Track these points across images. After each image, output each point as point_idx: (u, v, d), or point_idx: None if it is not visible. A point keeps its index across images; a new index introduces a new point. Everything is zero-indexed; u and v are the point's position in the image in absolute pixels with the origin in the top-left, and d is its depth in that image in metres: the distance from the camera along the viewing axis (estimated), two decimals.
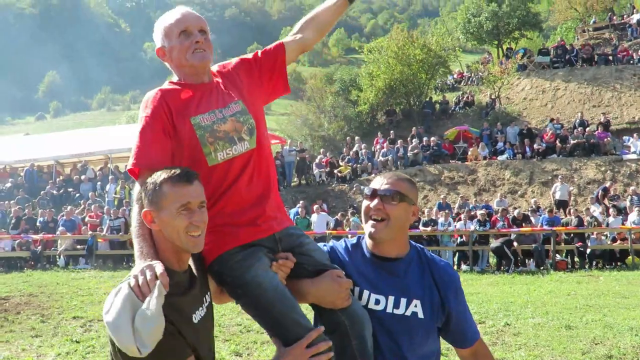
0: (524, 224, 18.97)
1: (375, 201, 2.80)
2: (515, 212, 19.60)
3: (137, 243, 2.48)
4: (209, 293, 2.68)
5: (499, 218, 19.26)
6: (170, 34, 2.83)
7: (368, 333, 2.72)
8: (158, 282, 2.22)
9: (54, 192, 25.94)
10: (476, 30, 42.96)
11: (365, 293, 2.81)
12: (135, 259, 2.44)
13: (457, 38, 45.07)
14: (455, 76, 41.16)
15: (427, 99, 34.72)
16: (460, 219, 19.81)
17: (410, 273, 2.84)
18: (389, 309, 2.80)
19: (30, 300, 13.53)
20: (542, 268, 17.75)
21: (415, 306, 2.79)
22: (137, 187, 2.63)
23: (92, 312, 11.43)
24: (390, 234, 2.79)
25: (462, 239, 19.35)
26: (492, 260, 18.98)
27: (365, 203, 2.86)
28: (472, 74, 40.09)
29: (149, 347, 2.20)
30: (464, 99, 34.69)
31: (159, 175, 2.45)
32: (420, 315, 2.80)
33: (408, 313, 2.80)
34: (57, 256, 20.89)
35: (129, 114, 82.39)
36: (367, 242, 2.92)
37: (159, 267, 2.27)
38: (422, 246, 3.02)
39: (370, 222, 2.81)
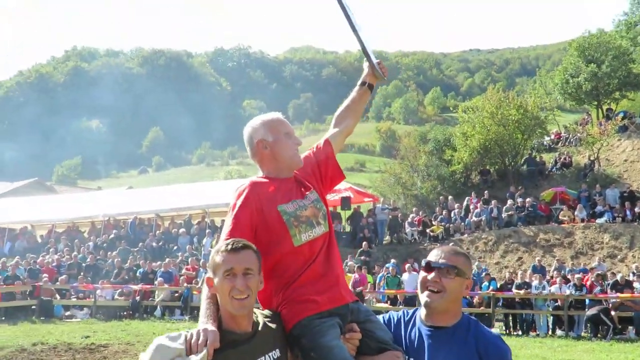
0: (624, 290, 18.24)
1: (433, 274, 2.96)
2: (618, 277, 18.90)
3: (204, 304, 2.85)
4: (279, 350, 2.91)
5: (594, 282, 18.68)
6: (276, 132, 3.30)
7: None
8: (205, 350, 2.51)
9: (154, 244, 26.84)
10: (574, 91, 42.07)
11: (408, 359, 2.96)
12: (200, 318, 2.78)
13: (555, 99, 44.41)
14: (552, 137, 40.38)
15: (528, 157, 34.20)
16: (555, 283, 19.32)
17: (455, 341, 2.96)
18: None
19: (127, 348, 14.03)
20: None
21: None
22: None
23: None
24: (444, 305, 2.95)
25: (557, 304, 18.83)
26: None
27: (422, 274, 3.02)
28: (570, 135, 39.29)
29: None
30: (562, 160, 33.99)
31: (216, 247, 2.83)
32: None
33: None
34: (155, 306, 21.50)
35: (227, 169, 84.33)
36: (421, 312, 3.08)
37: (212, 335, 2.58)
38: (475, 319, 3.13)
39: (427, 292, 2.97)
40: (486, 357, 2.91)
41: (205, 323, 2.70)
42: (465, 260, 3.05)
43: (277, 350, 2.89)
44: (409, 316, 3.15)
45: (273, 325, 2.96)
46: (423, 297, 3.00)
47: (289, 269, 3.10)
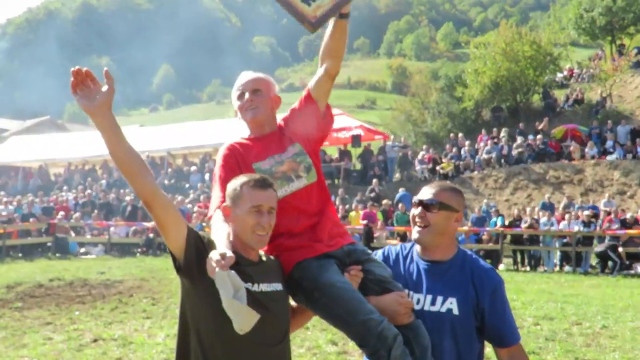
0: (633, 227, 18.32)
1: (419, 209, 3.06)
2: (628, 215, 18.99)
3: (219, 231, 2.89)
4: (281, 284, 3.00)
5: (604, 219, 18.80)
6: (234, 97, 3.37)
7: (429, 343, 2.92)
8: (220, 271, 2.56)
9: (166, 182, 27.03)
10: (588, 26, 41.45)
11: (408, 293, 3.07)
12: (217, 244, 2.80)
13: (568, 34, 43.74)
14: (565, 73, 39.88)
15: (542, 93, 33.94)
16: (564, 220, 19.42)
17: (451, 274, 3.05)
18: (426, 307, 3.03)
19: (142, 284, 14.31)
20: None
21: (451, 303, 2.99)
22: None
23: None
24: (432, 239, 3.05)
25: (565, 240, 18.98)
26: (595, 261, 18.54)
27: (412, 211, 3.13)
28: (583, 71, 38.81)
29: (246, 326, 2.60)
30: (574, 96, 33.67)
31: (240, 179, 2.87)
32: (455, 312, 2.98)
33: (443, 309, 2.99)
34: None
35: None
36: (417, 247, 3.18)
37: (229, 252, 2.61)
38: (471, 252, 3.22)
39: (415, 227, 3.09)
40: (481, 288, 3.00)
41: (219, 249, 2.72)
42: (452, 194, 3.11)
43: (280, 284, 2.98)
44: (406, 250, 3.24)
45: (276, 262, 3.07)
46: (413, 233, 3.12)
47: (276, 224, 3.05)
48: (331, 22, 3.19)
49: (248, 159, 3.22)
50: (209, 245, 2.78)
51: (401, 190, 24.09)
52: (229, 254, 2.57)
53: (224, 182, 3.09)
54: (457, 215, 3.12)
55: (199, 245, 2.78)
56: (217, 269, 2.52)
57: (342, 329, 3.03)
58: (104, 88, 2.62)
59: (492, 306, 3.01)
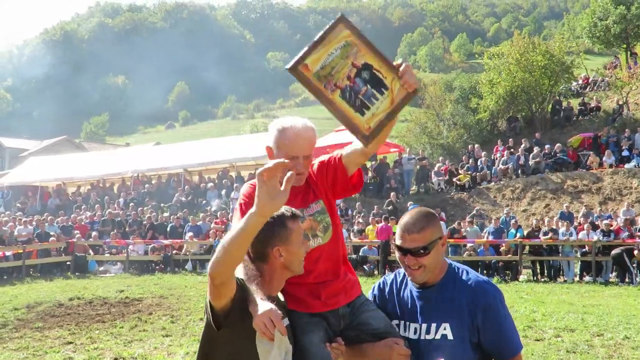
0: None
1: (408, 258, 3.01)
2: None
3: (253, 286, 2.84)
4: (287, 319, 3.04)
5: (622, 228, 18.65)
6: (280, 148, 3.22)
7: None
8: (276, 330, 2.58)
9: (182, 199, 27.14)
10: (603, 34, 41.29)
11: (404, 324, 3.09)
12: (254, 300, 2.75)
13: (582, 42, 43.60)
14: (580, 82, 39.72)
15: (555, 103, 33.79)
16: (583, 229, 19.29)
17: (442, 296, 3.03)
18: (422, 336, 3.02)
19: (161, 301, 14.36)
20: None
21: (445, 329, 2.97)
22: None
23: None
24: (428, 275, 3.03)
25: (585, 249, 18.85)
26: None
27: (398, 254, 3.08)
28: (599, 79, 38.63)
29: None
30: (590, 105, 33.52)
31: (282, 215, 2.87)
32: (450, 337, 2.96)
33: (438, 337, 2.98)
34: (186, 260, 21.87)
35: (253, 122, 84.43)
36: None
37: (274, 314, 2.61)
38: (461, 266, 3.18)
39: (408, 270, 3.06)
40: (473, 306, 2.98)
41: (263, 301, 2.71)
42: (432, 227, 3.05)
43: (287, 319, 3.01)
44: (400, 277, 3.23)
45: (282, 299, 3.12)
46: (408, 274, 3.10)
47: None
48: None
49: None
50: (245, 288, 2.80)
51: (410, 204, 24.08)
52: (277, 312, 2.61)
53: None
54: (442, 240, 3.08)
55: (240, 295, 2.77)
56: (276, 332, 2.56)
57: None
58: (282, 188, 2.53)
59: (485, 322, 2.98)
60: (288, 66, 2.79)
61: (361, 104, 2.81)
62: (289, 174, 2.48)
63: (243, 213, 3.07)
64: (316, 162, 3.38)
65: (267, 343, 2.65)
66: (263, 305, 2.64)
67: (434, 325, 3.01)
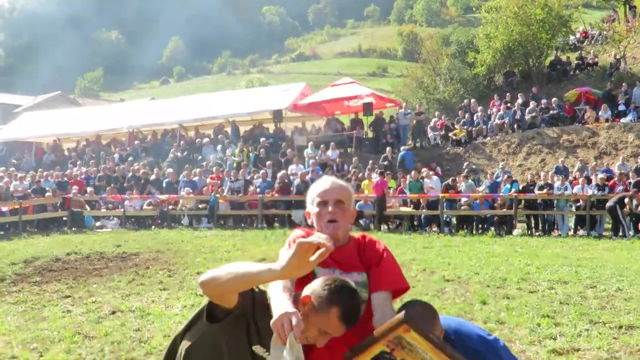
0: None
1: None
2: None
3: (278, 294, 2.76)
4: None
5: (617, 182, 18.72)
6: (312, 197, 3.20)
7: None
8: (291, 333, 2.55)
9: (178, 154, 27.11)
10: None
11: None
12: (275, 307, 2.70)
13: None
14: (578, 35, 39.38)
15: (552, 59, 33.58)
16: (578, 183, 19.36)
17: None
18: None
19: (158, 256, 14.46)
20: None
21: None
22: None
23: (214, 268, 12.10)
24: None
25: (579, 204, 18.95)
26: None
27: None
28: (596, 33, 38.32)
29: None
30: (587, 59, 33.32)
31: (331, 298, 2.68)
32: None
33: None
34: (182, 215, 21.95)
35: (248, 78, 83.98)
36: None
37: (295, 318, 2.55)
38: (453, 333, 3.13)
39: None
40: None
41: (286, 309, 2.64)
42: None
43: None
44: None
45: None
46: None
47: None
48: None
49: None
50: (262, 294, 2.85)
51: (403, 149, 24.29)
52: (299, 318, 2.57)
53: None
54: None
55: (246, 305, 2.82)
56: (291, 334, 2.53)
57: None
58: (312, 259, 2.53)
59: None
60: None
61: None
62: (322, 249, 2.49)
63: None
64: (373, 237, 3.26)
65: (280, 348, 2.62)
66: (286, 308, 2.62)
67: None
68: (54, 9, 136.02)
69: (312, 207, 3.19)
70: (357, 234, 3.26)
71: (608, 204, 17.58)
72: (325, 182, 3.20)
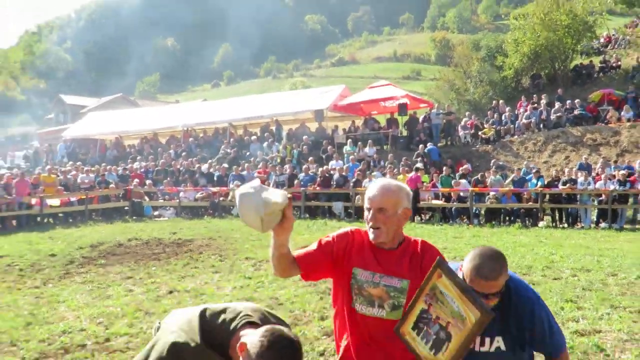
0: None
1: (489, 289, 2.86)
2: None
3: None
4: None
5: (637, 178, 18.37)
6: (364, 202, 3.10)
7: None
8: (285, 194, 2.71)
9: (228, 150, 27.35)
10: None
11: None
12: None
13: (605, 2, 42.29)
14: (602, 40, 38.64)
15: (576, 63, 33.02)
16: (600, 179, 19.05)
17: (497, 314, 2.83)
18: (476, 348, 2.95)
19: (210, 242, 14.63)
20: None
21: (498, 342, 2.95)
22: None
23: (261, 254, 12.20)
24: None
25: (601, 198, 18.64)
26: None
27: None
28: (620, 38, 37.57)
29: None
30: (610, 62, 32.70)
31: (261, 353, 2.33)
32: (503, 348, 2.95)
33: (492, 349, 2.96)
34: (232, 206, 22.13)
35: (292, 81, 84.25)
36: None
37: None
38: (511, 283, 2.98)
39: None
40: (521, 318, 2.94)
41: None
42: (504, 272, 2.84)
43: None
44: None
45: None
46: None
47: (345, 320, 3.05)
48: None
49: (354, 257, 3.04)
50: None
51: (430, 144, 24.18)
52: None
53: (319, 246, 3.07)
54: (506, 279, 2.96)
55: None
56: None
57: None
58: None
59: (532, 326, 2.93)
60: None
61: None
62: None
63: (320, 243, 3.09)
64: (428, 247, 3.10)
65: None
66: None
67: (487, 339, 2.96)
68: (113, 18, 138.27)
69: (365, 210, 3.09)
70: (414, 239, 3.12)
71: None
72: (374, 187, 3.04)
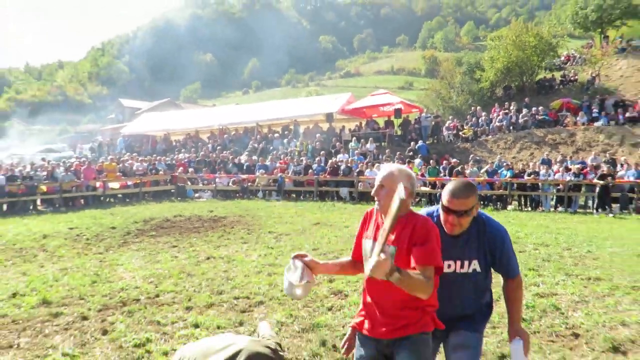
0: (609, 178, 17.68)
1: (451, 217, 2.98)
2: (604, 167, 18.36)
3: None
4: None
5: (589, 171, 18.25)
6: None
7: None
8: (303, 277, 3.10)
9: (256, 145, 27.37)
10: (582, 20, 39.55)
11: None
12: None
13: (566, 27, 41.81)
14: (562, 58, 38.23)
15: (541, 77, 32.70)
16: (559, 172, 18.94)
17: (470, 243, 3.03)
18: (457, 270, 3.05)
19: (239, 219, 14.67)
20: (625, 212, 16.73)
21: (474, 264, 3.03)
22: None
23: (281, 229, 12.24)
24: (461, 230, 3.04)
25: (559, 187, 18.53)
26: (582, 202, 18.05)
27: (443, 213, 3.05)
28: (577, 56, 37.16)
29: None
30: (569, 77, 32.36)
31: None
32: (478, 269, 3.04)
33: (470, 270, 3.04)
34: (257, 190, 22.20)
35: (307, 90, 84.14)
36: (440, 221, 3.09)
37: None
38: (484, 216, 3.08)
39: (449, 225, 3.02)
40: (491, 244, 3.04)
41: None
42: (472, 195, 2.94)
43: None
44: (435, 220, 3.08)
45: None
46: (445, 227, 3.04)
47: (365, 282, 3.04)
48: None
49: (367, 228, 3.10)
50: None
51: (420, 142, 24.07)
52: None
53: (358, 238, 3.21)
54: (477, 207, 3.02)
55: None
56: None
57: None
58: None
59: (501, 253, 3.04)
60: None
61: None
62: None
63: (358, 236, 3.21)
64: (427, 228, 2.83)
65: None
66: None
67: (466, 262, 3.03)
68: (164, 36, 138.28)
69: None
70: (417, 214, 2.93)
71: (598, 189, 17.05)
72: (382, 169, 2.99)
